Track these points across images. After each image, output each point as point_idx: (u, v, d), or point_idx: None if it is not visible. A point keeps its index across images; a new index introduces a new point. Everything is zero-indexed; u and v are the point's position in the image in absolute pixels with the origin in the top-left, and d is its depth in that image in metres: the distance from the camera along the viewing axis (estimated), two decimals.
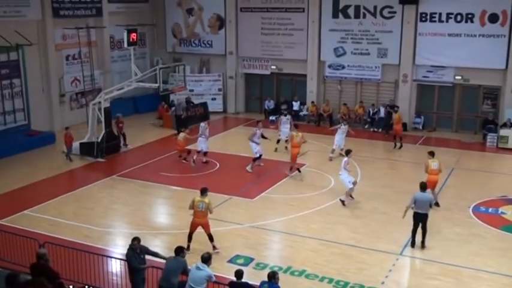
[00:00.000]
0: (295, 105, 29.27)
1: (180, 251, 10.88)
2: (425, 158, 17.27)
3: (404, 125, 26.77)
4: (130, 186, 19.09)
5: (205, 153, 21.30)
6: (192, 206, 13.81)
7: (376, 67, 27.33)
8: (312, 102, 28.48)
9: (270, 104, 29.74)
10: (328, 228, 15.49)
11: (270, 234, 15.20)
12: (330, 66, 28.39)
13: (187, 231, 14.91)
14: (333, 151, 21.92)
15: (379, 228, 15.54)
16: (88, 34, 27.78)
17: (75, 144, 22.57)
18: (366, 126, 27.29)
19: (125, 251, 11.82)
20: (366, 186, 18.78)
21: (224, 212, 16.56)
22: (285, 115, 23.34)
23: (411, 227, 14.23)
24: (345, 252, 14.02)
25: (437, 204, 16.78)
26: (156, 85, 21.93)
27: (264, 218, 16.10)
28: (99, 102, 22.34)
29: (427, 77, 26.54)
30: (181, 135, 21.72)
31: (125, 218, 16.57)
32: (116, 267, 12.86)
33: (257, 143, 20.44)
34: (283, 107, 29.37)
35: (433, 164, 16.81)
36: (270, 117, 28.94)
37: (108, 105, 22.59)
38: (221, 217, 16.16)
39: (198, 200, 13.73)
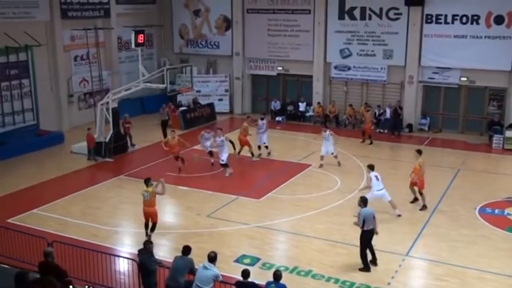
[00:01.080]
0: (301, 106, 29.23)
1: (187, 250, 10.87)
2: (415, 157, 17.31)
3: (411, 126, 26.76)
4: (137, 186, 18.97)
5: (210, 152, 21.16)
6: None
7: (382, 68, 27.25)
8: (318, 103, 28.43)
9: (276, 105, 29.70)
10: (334, 228, 15.44)
11: (277, 234, 15.16)
12: (336, 68, 28.33)
13: (195, 230, 14.96)
14: (321, 158, 20.95)
15: (385, 229, 15.39)
16: (96, 35, 27.84)
17: (83, 144, 22.63)
18: (372, 127, 27.16)
19: (132, 250, 11.78)
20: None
21: (231, 212, 16.55)
22: (262, 119, 22.56)
23: (369, 246, 13.12)
24: (351, 252, 13.93)
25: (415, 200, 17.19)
26: (164, 86, 21.96)
27: (271, 218, 16.07)
28: (107, 103, 22.37)
29: (433, 78, 26.44)
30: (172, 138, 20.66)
31: (132, 217, 16.53)
32: (124, 266, 12.86)
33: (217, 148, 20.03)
34: (290, 107, 29.42)
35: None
36: (276, 118, 28.93)
37: (115, 105, 22.64)
38: (228, 217, 16.16)
39: (143, 190, 14.54)
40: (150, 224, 14.72)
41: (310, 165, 21.18)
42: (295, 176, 19.88)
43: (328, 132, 20.92)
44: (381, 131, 26.65)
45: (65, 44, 26.46)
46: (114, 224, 15.81)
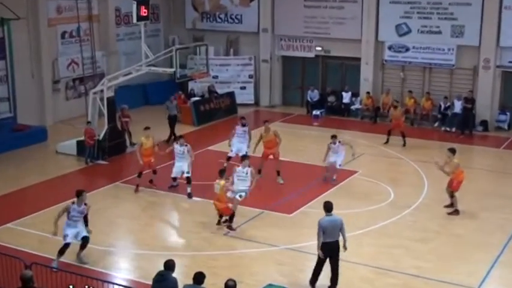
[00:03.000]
0: (346, 97, 29.16)
1: (200, 278, 10.89)
2: (446, 157, 17.93)
3: (486, 124, 26.48)
4: (138, 195, 19.23)
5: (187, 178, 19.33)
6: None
7: (449, 49, 27.05)
8: (367, 93, 28.31)
9: (313, 95, 29.67)
10: (384, 253, 15.36)
11: (312, 259, 15.06)
12: (390, 48, 28.21)
13: (209, 253, 15.09)
14: (327, 169, 20.45)
15: (451, 254, 15.35)
16: (89, 6, 28.14)
17: (71, 143, 22.90)
18: (436, 124, 27.00)
19: (129, 276, 11.78)
20: (433, 200, 18.60)
21: (254, 230, 16.57)
22: (243, 125, 20.99)
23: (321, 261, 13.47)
24: (406, 283, 13.88)
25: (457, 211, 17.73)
26: (172, 70, 22.08)
27: (304, 238, 16.00)
28: (102, 91, 22.58)
29: None
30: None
31: (131, 234, 16.70)
32: None
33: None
34: (331, 98, 29.33)
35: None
36: (314, 112, 28.87)
37: (112, 94, 22.84)
38: (251, 236, 16.19)
39: (216, 181, 16.24)
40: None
41: (356, 172, 21.12)
42: (336, 186, 19.83)
43: (337, 144, 20.17)
44: (447, 129, 26.44)
45: (50, 18, 26.78)
46: (107, 243, 15.90)
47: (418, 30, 27.51)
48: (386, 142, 24.36)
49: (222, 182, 16.14)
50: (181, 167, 19.05)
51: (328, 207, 13.39)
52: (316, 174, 21.00)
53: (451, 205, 17.81)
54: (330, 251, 13.28)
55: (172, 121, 24.87)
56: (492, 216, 17.56)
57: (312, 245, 15.60)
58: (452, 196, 17.75)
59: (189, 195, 18.93)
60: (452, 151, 17.92)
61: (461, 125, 26.18)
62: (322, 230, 13.14)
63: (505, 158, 23.39)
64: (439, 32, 27.10)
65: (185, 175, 19.03)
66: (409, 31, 27.68)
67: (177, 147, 19.18)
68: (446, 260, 15.04)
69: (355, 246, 15.54)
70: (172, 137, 23.85)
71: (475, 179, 20.33)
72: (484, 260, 14.93)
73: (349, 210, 17.91)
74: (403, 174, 21.13)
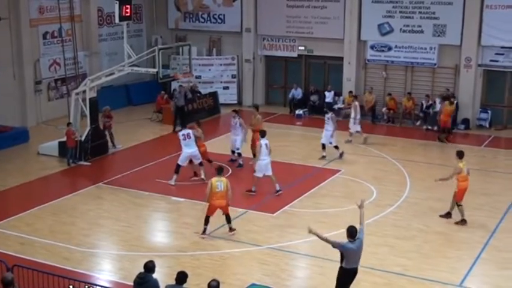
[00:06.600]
0: (328, 96, 29.16)
1: (183, 278, 10.87)
2: (455, 161, 17.29)
3: (467, 122, 26.59)
4: (121, 196, 19.16)
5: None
6: (210, 190, 15.68)
7: (431, 48, 27.15)
8: (350, 92, 28.35)
9: (297, 93, 29.66)
10: (368, 251, 15.23)
11: (295, 259, 15.16)
12: (372, 48, 28.28)
13: (192, 253, 14.98)
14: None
15: (434, 252, 15.42)
16: (71, 6, 27.98)
17: (53, 144, 22.76)
18: (418, 123, 27.08)
19: (112, 278, 11.74)
20: (415, 198, 18.69)
21: (238, 230, 16.53)
22: (234, 117, 22.18)
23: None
24: (391, 282, 13.93)
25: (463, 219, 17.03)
26: (155, 70, 22.03)
27: (288, 237, 16.05)
28: (84, 92, 22.48)
29: (497, 61, 26.32)
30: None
31: (113, 236, 16.61)
32: None
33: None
34: (314, 98, 29.35)
35: (465, 168, 17.01)
36: (297, 112, 28.88)
37: (94, 95, 22.73)
38: (234, 236, 16.16)
39: (215, 179, 15.75)
40: (224, 216, 16.13)
41: (338, 171, 21.14)
42: (319, 185, 19.86)
43: (330, 114, 22.39)
44: (429, 127, 26.51)
45: (32, 18, 26.61)
46: (90, 244, 15.85)
47: (400, 29, 27.58)
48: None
49: (224, 179, 15.88)
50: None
51: (352, 232, 12.19)
52: (298, 173, 21.03)
53: (448, 214, 17.25)
54: (351, 277, 12.31)
55: (179, 113, 25.99)
56: (474, 214, 17.60)
57: (295, 244, 15.72)
58: (458, 205, 16.95)
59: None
60: (460, 155, 17.20)
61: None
62: (345, 255, 12.10)
63: (486, 156, 23.51)
64: (421, 31, 27.20)
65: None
66: (392, 30, 27.76)
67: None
68: (429, 257, 15.10)
69: None
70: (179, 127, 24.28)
71: None
72: (466, 257, 15.03)
73: (332, 209, 17.97)
74: (386, 173, 21.16)
